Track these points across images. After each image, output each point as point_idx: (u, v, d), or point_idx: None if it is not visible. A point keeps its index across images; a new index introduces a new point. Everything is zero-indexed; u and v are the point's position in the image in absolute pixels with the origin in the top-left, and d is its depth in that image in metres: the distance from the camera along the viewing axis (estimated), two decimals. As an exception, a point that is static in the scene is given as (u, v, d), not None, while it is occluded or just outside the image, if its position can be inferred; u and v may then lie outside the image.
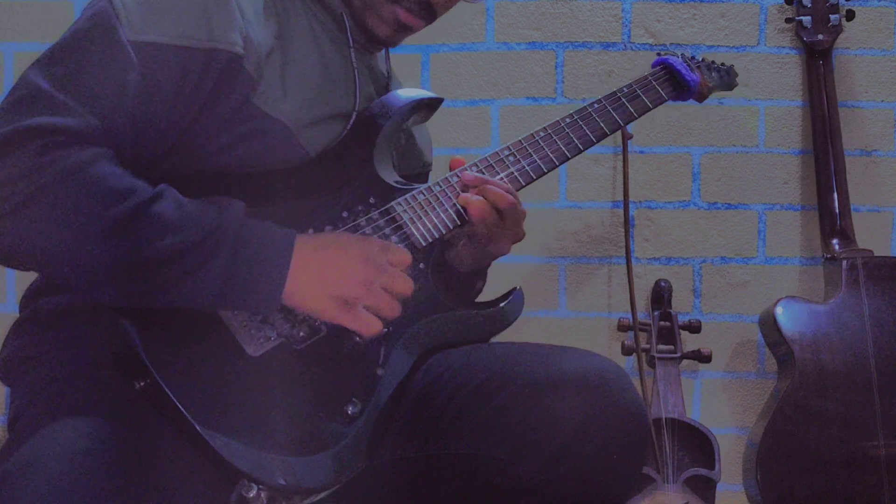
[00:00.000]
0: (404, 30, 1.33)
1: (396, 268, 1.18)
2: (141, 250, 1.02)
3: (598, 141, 1.40)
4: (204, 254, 1.05)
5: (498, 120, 2.22)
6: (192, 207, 1.07)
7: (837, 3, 2.13)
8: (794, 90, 2.22)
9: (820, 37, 2.13)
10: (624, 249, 2.10)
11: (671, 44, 2.21)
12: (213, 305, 1.10)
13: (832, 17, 2.12)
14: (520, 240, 1.33)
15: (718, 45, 2.21)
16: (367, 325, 1.15)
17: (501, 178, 1.31)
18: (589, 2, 2.22)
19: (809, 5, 2.13)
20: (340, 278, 1.13)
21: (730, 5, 2.22)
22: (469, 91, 2.21)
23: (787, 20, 2.18)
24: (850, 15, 2.12)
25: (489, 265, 1.41)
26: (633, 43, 2.22)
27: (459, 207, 1.27)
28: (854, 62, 2.21)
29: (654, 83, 1.50)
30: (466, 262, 1.34)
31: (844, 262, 2.02)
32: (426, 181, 1.40)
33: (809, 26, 2.13)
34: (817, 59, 2.14)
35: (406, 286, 1.19)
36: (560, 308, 2.23)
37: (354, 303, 1.14)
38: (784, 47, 2.22)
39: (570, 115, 1.39)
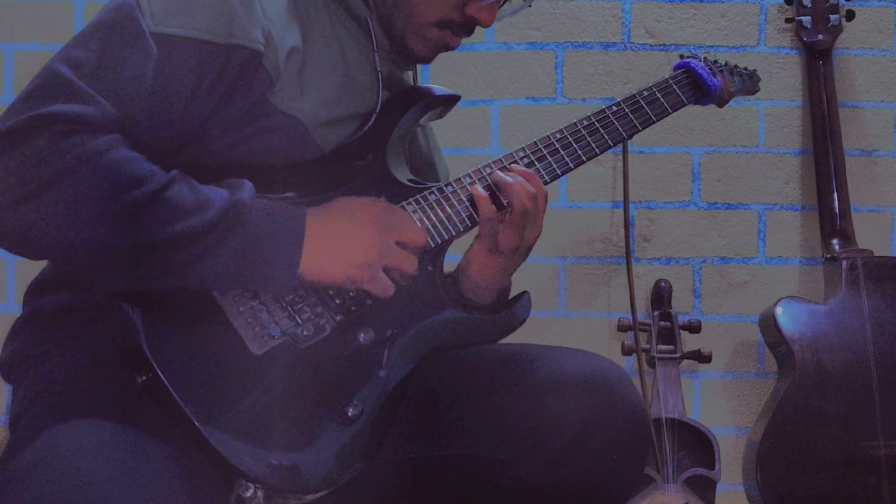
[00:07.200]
0: (445, 50, 1.34)
1: (404, 223, 1.21)
2: (157, 234, 1.03)
3: (614, 145, 1.39)
4: (217, 235, 1.06)
5: (498, 120, 2.22)
6: (206, 190, 1.08)
7: (837, 3, 2.13)
8: (794, 90, 2.22)
9: (820, 37, 2.13)
10: (624, 249, 2.10)
11: (671, 44, 2.21)
12: (229, 285, 1.11)
13: (832, 17, 2.12)
14: (532, 244, 1.32)
15: (718, 46, 2.21)
16: (385, 288, 1.18)
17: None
18: (589, 2, 2.22)
19: (809, 5, 2.13)
20: (355, 244, 1.15)
21: (730, 5, 2.22)
22: (469, 91, 2.21)
23: (787, 20, 2.18)
24: (850, 15, 2.12)
25: (509, 287, 1.39)
26: (633, 43, 2.22)
27: (472, 210, 1.27)
28: (854, 62, 2.21)
29: (674, 87, 1.47)
30: (487, 282, 1.33)
31: (844, 262, 2.02)
32: (440, 180, 1.40)
33: (809, 26, 2.13)
34: (817, 59, 2.14)
35: (419, 236, 1.22)
36: (560, 308, 2.23)
37: (373, 265, 1.16)
38: (784, 47, 2.22)
39: (588, 118, 1.37)
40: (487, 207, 1.27)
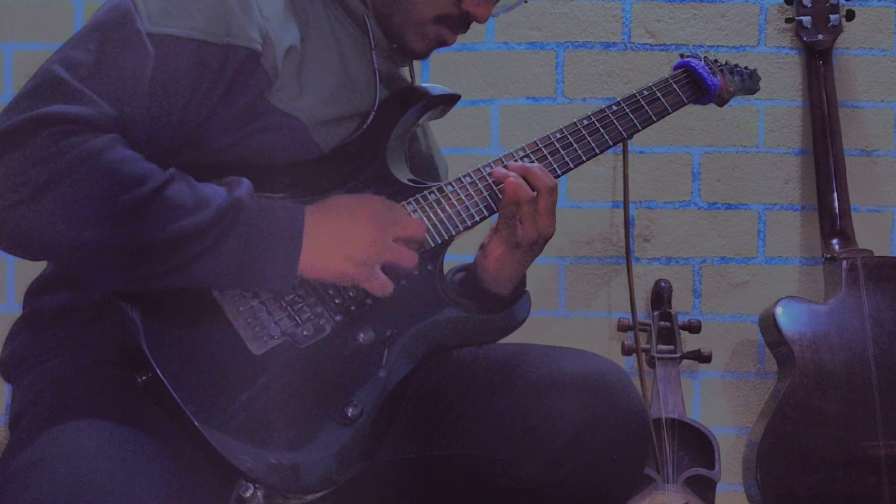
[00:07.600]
0: (441, 46, 1.34)
1: (401, 219, 1.21)
2: (156, 233, 1.03)
3: (614, 145, 1.39)
4: (216, 233, 1.06)
5: (498, 120, 2.22)
6: (204, 189, 1.08)
7: (837, 3, 2.13)
8: (794, 90, 2.22)
9: (820, 37, 2.13)
10: (624, 249, 2.10)
11: (671, 44, 2.21)
12: (229, 284, 1.10)
13: (832, 17, 2.12)
14: (549, 236, 1.32)
15: (718, 45, 2.21)
16: (382, 286, 1.18)
17: None
18: (589, 2, 2.22)
19: (809, 5, 2.13)
20: (354, 241, 1.16)
21: (730, 5, 2.22)
22: (469, 91, 2.21)
23: (787, 20, 2.18)
24: (850, 15, 2.12)
25: (524, 278, 1.39)
26: (634, 43, 2.22)
27: (472, 210, 1.27)
28: (854, 62, 2.21)
29: (674, 86, 1.46)
30: (506, 275, 1.33)
31: (844, 262, 2.02)
32: (440, 180, 1.40)
33: (809, 26, 2.13)
34: (817, 59, 2.14)
35: (417, 231, 1.22)
36: (560, 308, 2.23)
37: (370, 263, 1.16)
38: (784, 47, 2.22)
39: (588, 117, 1.37)
40: (520, 191, 1.26)
